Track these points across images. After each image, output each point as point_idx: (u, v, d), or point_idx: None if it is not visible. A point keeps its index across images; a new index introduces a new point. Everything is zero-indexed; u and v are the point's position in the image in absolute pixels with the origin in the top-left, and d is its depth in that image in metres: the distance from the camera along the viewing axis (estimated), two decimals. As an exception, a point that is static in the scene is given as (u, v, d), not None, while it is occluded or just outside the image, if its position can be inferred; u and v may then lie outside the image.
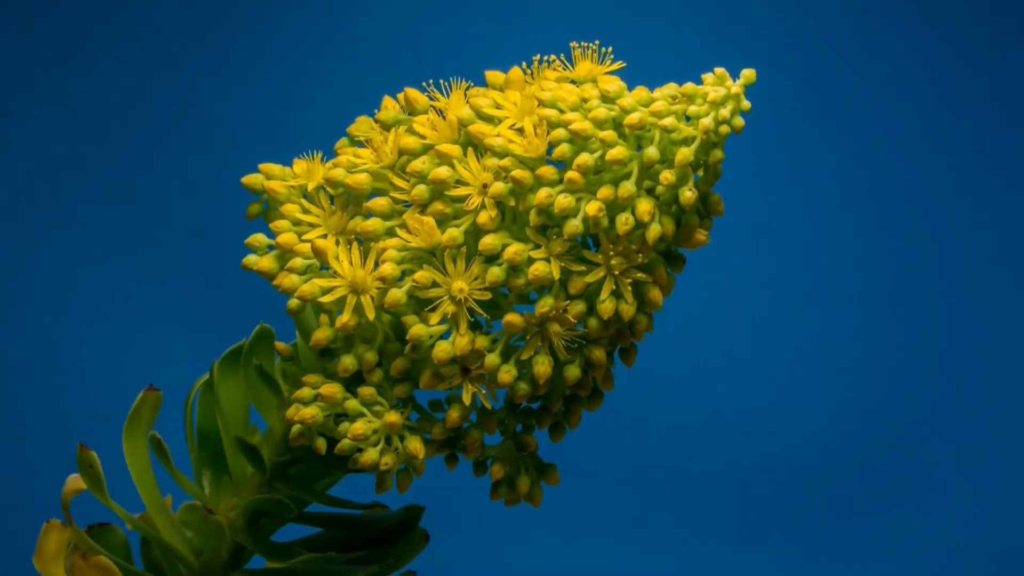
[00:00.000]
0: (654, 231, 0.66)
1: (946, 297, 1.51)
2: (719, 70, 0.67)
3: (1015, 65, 1.52)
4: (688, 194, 0.66)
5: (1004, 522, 1.47)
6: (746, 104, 0.67)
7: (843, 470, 1.48)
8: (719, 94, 0.66)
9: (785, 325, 1.50)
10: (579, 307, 0.67)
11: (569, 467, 0.75)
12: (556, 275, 0.67)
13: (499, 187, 0.67)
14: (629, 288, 0.67)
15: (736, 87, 0.67)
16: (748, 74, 0.67)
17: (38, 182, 1.45)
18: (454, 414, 0.69)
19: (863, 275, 1.51)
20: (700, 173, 0.68)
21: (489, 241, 0.67)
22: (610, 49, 0.71)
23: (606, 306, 0.67)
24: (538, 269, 0.67)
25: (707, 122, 0.66)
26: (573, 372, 0.69)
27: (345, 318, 0.67)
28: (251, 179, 0.73)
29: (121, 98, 1.46)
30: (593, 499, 1.45)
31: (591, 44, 0.71)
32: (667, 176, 0.66)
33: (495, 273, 0.67)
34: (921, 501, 1.47)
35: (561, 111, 0.68)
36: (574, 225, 0.66)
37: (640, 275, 0.67)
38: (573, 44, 0.71)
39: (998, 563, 1.46)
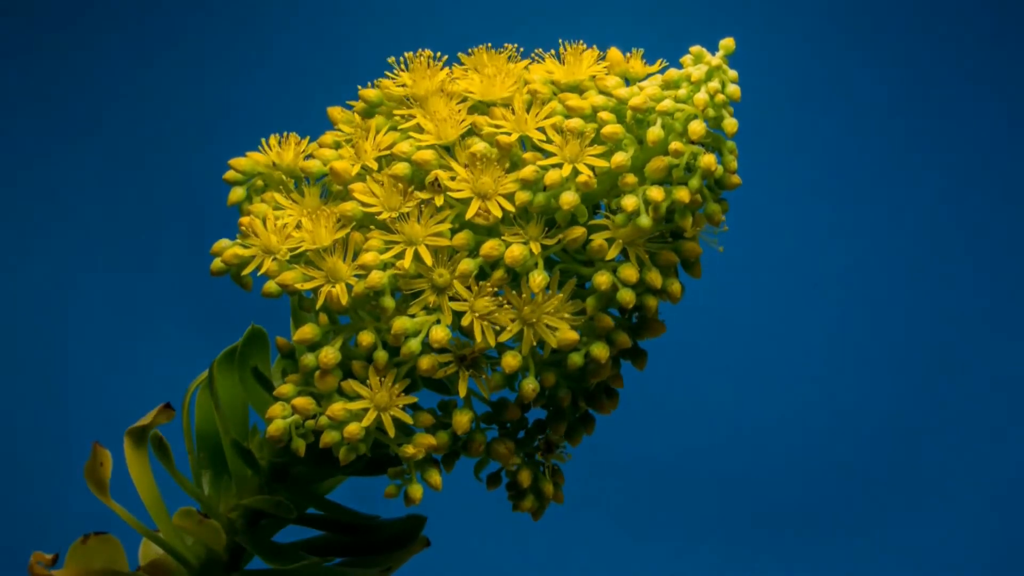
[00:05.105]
0: (680, 193, 0.65)
1: (947, 299, 1.50)
2: (695, 49, 0.67)
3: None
4: (706, 158, 0.65)
5: (1004, 523, 1.46)
6: (732, 73, 0.67)
7: (844, 471, 1.47)
8: (702, 72, 0.66)
9: (787, 327, 1.49)
10: (604, 276, 0.66)
11: (569, 469, 0.74)
12: (536, 251, 0.66)
13: (480, 147, 0.67)
14: (647, 255, 0.67)
15: (716, 59, 0.67)
16: (726, 44, 0.67)
17: (36, 182, 1.46)
18: (462, 418, 0.68)
19: (864, 278, 1.50)
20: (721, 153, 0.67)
21: (462, 237, 0.66)
22: (595, 47, 0.71)
23: (629, 273, 0.66)
24: (513, 251, 0.65)
25: (701, 97, 0.66)
26: (599, 350, 0.67)
27: (321, 301, 0.66)
28: (238, 161, 0.73)
29: (120, 98, 1.47)
30: (593, 501, 1.45)
31: (576, 42, 0.71)
32: (677, 146, 0.65)
33: (467, 264, 0.66)
34: (922, 503, 1.46)
35: (556, 92, 0.68)
36: (570, 196, 0.65)
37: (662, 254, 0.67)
38: (557, 46, 0.71)
39: (998, 564, 1.45)
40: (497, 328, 0.66)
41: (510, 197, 0.66)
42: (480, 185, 0.66)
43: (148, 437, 0.75)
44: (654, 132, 0.65)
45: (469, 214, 0.66)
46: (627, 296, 0.66)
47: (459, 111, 0.68)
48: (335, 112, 0.72)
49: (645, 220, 0.65)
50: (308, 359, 0.68)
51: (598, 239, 0.66)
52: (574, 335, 0.66)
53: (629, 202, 0.65)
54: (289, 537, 0.78)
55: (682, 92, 0.66)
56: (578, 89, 0.69)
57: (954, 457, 1.47)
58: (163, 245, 1.46)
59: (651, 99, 0.66)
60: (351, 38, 1.48)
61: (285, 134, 0.72)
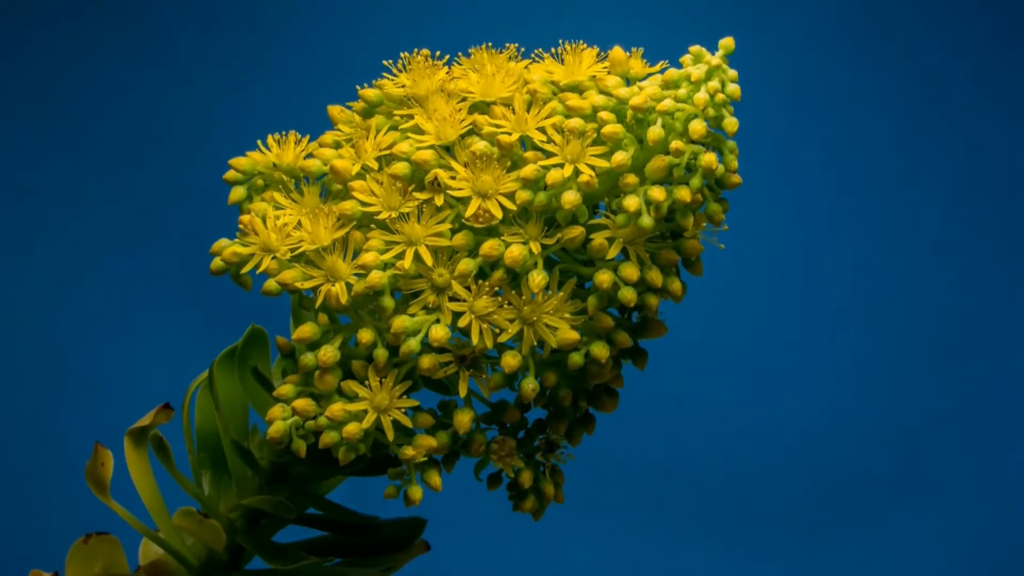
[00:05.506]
0: (681, 192, 0.65)
1: (946, 298, 1.50)
2: (694, 48, 0.67)
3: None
4: (707, 157, 0.65)
5: (1004, 522, 1.46)
6: (732, 73, 0.67)
7: (844, 471, 1.47)
8: (701, 71, 0.66)
9: (787, 327, 1.49)
10: (605, 275, 0.66)
11: (569, 469, 0.74)
12: (536, 251, 0.66)
13: (481, 146, 0.67)
14: (647, 254, 0.66)
15: (716, 59, 0.67)
16: (726, 43, 0.67)
17: (36, 182, 1.46)
18: (464, 418, 0.68)
19: (864, 277, 1.50)
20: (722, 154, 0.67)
21: (462, 238, 0.66)
22: (595, 47, 0.71)
23: (630, 271, 0.66)
24: (512, 252, 0.65)
25: (701, 96, 0.66)
26: (600, 350, 0.67)
27: (320, 299, 0.67)
28: (238, 161, 0.73)
29: (120, 98, 1.47)
30: (593, 500, 1.45)
31: (576, 42, 0.71)
32: (678, 145, 0.65)
33: (467, 264, 0.66)
34: (922, 502, 1.46)
35: (555, 92, 0.68)
36: (573, 195, 0.65)
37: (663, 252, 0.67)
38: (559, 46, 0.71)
39: (998, 563, 1.45)
40: (496, 329, 0.66)
41: (511, 196, 0.66)
42: (480, 184, 0.66)
43: (148, 437, 0.75)
44: (655, 131, 0.65)
45: (469, 213, 0.66)
46: (628, 295, 0.66)
47: (459, 110, 0.68)
48: (335, 111, 0.72)
49: (647, 220, 0.65)
50: (307, 358, 0.68)
51: (598, 238, 0.66)
52: (574, 335, 0.66)
53: (631, 202, 0.65)
54: (289, 537, 0.78)
55: (682, 92, 0.66)
56: (578, 89, 0.69)
57: (954, 457, 1.47)
58: (163, 245, 1.46)
59: (651, 99, 0.66)
60: (351, 38, 1.48)
61: (285, 133, 0.72)
